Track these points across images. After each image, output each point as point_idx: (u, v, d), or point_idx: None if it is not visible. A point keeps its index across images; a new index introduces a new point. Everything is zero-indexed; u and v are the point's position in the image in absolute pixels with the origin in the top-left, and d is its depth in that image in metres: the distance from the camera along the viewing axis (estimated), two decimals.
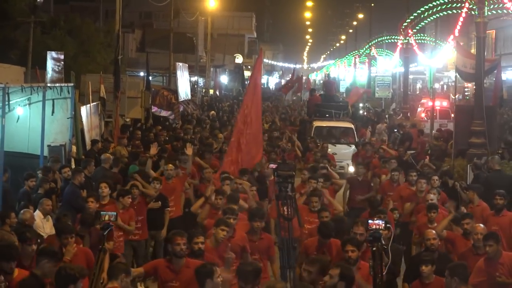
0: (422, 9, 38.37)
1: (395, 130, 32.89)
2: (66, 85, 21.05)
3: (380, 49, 65.07)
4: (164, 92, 33.08)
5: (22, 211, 12.56)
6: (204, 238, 10.77)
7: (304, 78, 71.74)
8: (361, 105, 49.99)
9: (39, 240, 11.55)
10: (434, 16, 37.84)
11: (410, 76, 54.58)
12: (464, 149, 22.08)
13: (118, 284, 8.98)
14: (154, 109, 32.06)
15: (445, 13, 33.30)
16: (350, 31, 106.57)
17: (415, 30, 43.22)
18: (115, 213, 10.16)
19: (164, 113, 32.56)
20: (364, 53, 68.62)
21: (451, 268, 9.61)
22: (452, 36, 30.76)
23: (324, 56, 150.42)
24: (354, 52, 78.43)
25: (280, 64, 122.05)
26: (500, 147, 23.46)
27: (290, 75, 41.35)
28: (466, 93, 53.24)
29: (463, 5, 26.06)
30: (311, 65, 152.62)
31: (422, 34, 50.17)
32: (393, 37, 54.11)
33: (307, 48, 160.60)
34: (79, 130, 21.46)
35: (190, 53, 59.41)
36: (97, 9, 57.63)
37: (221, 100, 59.13)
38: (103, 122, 25.94)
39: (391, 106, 54.31)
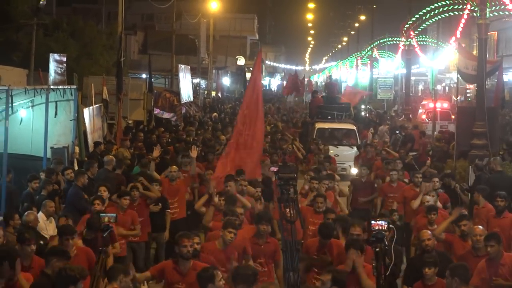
0: (424, 10, 38.45)
1: (397, 132, 32.91)
2: (69, 87, 21.10)
3: (382, 51, 65.14)
4: (167, 94, 33.16)
5: (26, 213, 12.57)
6: (205, 239, 10.80)
7: (306, 80, 71.67)
8: (363, 106, 50.02)
9: (42, 242, 11.63)
10: (436, 18, 37.91)
11: (412, 78, 54.61)
12: (466, 151, 22.12)
13: (118, 285, 8.99)
14: (156, 111, 32.13)
15: (447, 14, 33.37)
16: (352, 32, 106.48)
17: (417, 32, 43.30)
18: (114, 215, 10.21)
19: (166, 115, 32.63)
20: (366, 55, 68.66)
21: (451, 269, 9.61)
22: (454, 38, 30.83)
23: (326, 57, 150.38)
24: (356, 53, 78.46)
25: (282, 66, 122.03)
26: (502, 148, 23.49)
27: (288, 76, 41.16)
28: (468, 95, 53.24)
29: (465, 6, 26.12)
30: (313, 67, 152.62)
31: (424, 36, 50.24)
32: (395, 38, 54.19)
33: (309, 50, 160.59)
34: (81, 132, 21.52)
35: (192, 55, 59.54)
36: (99, 11, 57.70)
37: (223, 102, 59.20)
38: (105, 124, 25.99)
39: (393, 108, 54.31)
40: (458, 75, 24.92)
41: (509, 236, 13.29)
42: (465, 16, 26.84)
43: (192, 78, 48.63)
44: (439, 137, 29.24)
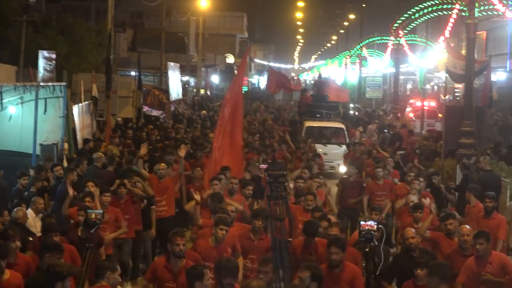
0: (413, 10, 38.57)
1: (385, 131, 33.02)
2: (58, 84, 21.13)
3: (371, 50, 65.18)
4: (156, 92, 33.16)
5: (15, 210, 12.60)
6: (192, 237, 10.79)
7: (295, 78, 71.79)
8: (351, 105, 50.12)
9: (31, 238, 11.66)
10: (425, 17, 38.03)
11: (401, 77, 54.85)
12: (454, 149, 22.21)
13: (106, 282, 9.00)
14: (145, 108, 32.14)
15: (435, 14, 33.48)
16: (341, 31, 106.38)
17: (406, 31, 43.42)
18: (101, 211, 10.22)
19: (155, 113, 32.64)
20: (355, 54, 68.70)
21: (430, 267, 9.56)
22: (442, 37, 30.94)
23: (315, 56, 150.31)
24: (345, 52, 78.50)
25: (271, 64, 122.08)
26: (489, 148, 23.60)
27: (270, 73, 40.23)
28: (456, 94, 53.42)
29: (453, 6, 26.23)
30: (302, 65, 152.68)
31: (413, 35, 50.35)
32: (384, 37, 54.26)
33: (298, 48, 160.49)
34: (71, 129, 21.54)
35: (181, 52, 59.43)
36: (89, 8, 57.72)
37: (212, 100, 59.18)
38: (95, 121, 25.99)
39: (382, 107, 54.44)
40: (447, 75, 25.02)
41: (496, 237, 13.34)
42: (454, 16, 26.94)
43: (181, 76, 48.55)
44: (426, 135, 29.37)
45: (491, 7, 25.64)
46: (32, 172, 16.27)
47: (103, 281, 9.01)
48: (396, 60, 46.68)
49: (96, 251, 11.83)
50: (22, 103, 20.01)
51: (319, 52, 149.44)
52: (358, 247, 10.27)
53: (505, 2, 25.78)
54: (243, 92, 18.15)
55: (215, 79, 77.12)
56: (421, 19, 39.16)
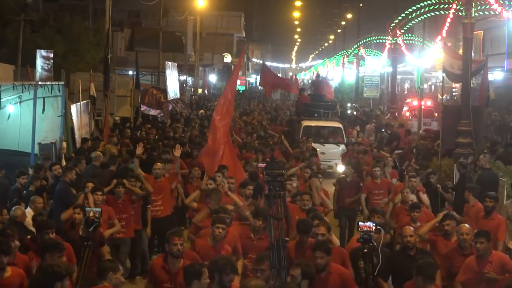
0: (410, 9, 38.63)
1: (383, 130, 33.09)
2: (57, 83, 21.18)
3: (368, 49, 65.27)
4: (153, 91, 33.21)
5: (13, 208, 12.63)
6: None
7: (293, 78, 71.88)
8: (349, 105, 50.20)
9: (29, 237, 11.70)
10: (422, 17, 38.08)
11: (398, 76, 54.78)
12: (451, 149, 22.27)
13: (108, 283, 8.98)
14: (143, 107, 32.20)
15: (433, 14, 33.53)
16: (339, 31, 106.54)
17: (403, 31, 43.46)
18: (99, 210, 10.24)
19: (153, 112, 32.69)
20: (353, 53, 68.81)
21: (416, 267, 9.46)
22: (439, 37, 30.99)
23: (313, 55, 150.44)
24: (342, 52, 78.61)
25: (269, 63, 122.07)
26: (486, 147, 23.66)
27: (263, 72, 38.93)
28: (454, 93, 53.50)
29: (450, 6, 26.26)
30: (300, 65, 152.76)
31: (410, 35, 50.41)
32: (381, 37, 54.37)
33: (295, 48, 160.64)
34: (69, 128, 21.59)
35: (179, 52, 59.46)
36: (86, 7, 57.54)
37: (210, 99, 59.23)
38: (93, 121, 26.05)
39: (379, 106, 54.51)
40: (444, 74, 25.05)
41: (495, 238, 13.35)
42: (451, 16, 26.99)
43: (179, 75, 48.64)
44: (424, 135, 29.43)
45: (487, 7, 25.69)
46: (31, 171, 16.31)
47: (106, 282, 8.97)
48: (393, 60, 46.74)
49: (98, 250, 11.90)
50: (20, 102, 20.08)
51: (316, 52, 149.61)
52: (356, 250, 10.29)
53: (501, 2, 25.84)
54: (240, 91, 18.32)
55: (212, 78, 77.19)
56: (418, 18, 39.19)
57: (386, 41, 47.16)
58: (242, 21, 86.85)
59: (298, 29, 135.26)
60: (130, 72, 46.17)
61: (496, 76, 48.62)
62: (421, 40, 50.87)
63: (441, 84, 46.54)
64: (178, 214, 17.86)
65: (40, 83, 20.28)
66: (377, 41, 59.40)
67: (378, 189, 17.76)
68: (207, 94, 66.61)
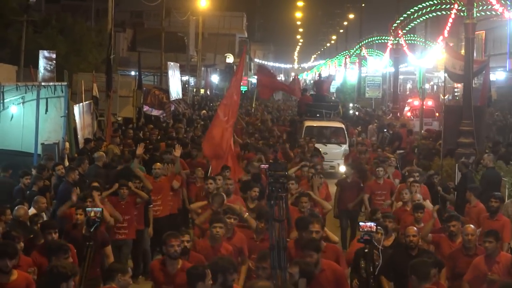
0: (412, 10, 38.68)
1: (385, 130, 33.13)
2: (59, 84, 21.24)
3: (370, 50, 65.33)
4: (156, 92, 33.25)
5: (16, 208, 12.64)
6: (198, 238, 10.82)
7: (295, 78, 71.87)
8: (351, 105, 50.24)
9: (32, 236, 11.75)
10: (424, 17, 38.15)
11: (400, 77, 54.93)
12: (453, 149, 22.31)
13: (116, 284, 8.99)
14: (145, 108, 32.25)
15: (434, 14, 33.60)
16: (341, 31, 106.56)
17: (405, 31, 43.54)
18: (100, 209, 10.27)
19: (155, 112, 32.73)
20: (355, 53, 68.83)
21: (411, 266, 9.44)
22: (441, 37, 31.04)
23: (315, 56, 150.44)
24: (344, 52, 78.63)
25: (271, 64, 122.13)
26: (488, 147, 23.70)
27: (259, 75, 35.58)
28: (456, 94, 53.53)
29: (452, 6, 26.31)
30: (302, 65, 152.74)
31: (412, 35, 50.51)
32: (384, 37, 54.43)
33: (297, 48, 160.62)
34: (72, 128, 21.65)
35: (181, 52, 59.46)
36: (89, 8, 57.64)
37: (212, 99, 59.28)
38: (95, 121, 26.10)
39: (381, 106, 54.54)
40: (446, 74, 25.10)
41: (501, 239, 13.31)
42: (453, 16, 27.04)
43: (181, 76, 48.64)
44: (425, 135, 29.48)
45: (489, 7, 25.74)
46: (34, 172, 16.37)
47: (113, 283, 8.98)
48: (395, 60, 46.79)
49: (101, 250, 11.95)
50: (23, 102, 20.10)
51: (318, 52, 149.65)
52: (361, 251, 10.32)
53: (503, 2, 25.90)
54: (242, 92, 18.40)
55: (214, 78, 77.18)
56: (420, 19, 39.28)
57: (388, 41, 47.21)
58: (244, 21, 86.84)
59: (300, 30, 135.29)
60: (133, 73, 46.20)
61: (498, 76, 48.66)
62: (423, 40, 51.00)
63: (443, 84, 46.66)
64: (182, 215, 17.93)
65: (43, 83, 20.33)
66: (379, 41, 59.48)
67: (380, 189, 17.78)
68: (209, 95, 66.65)
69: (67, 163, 18.84)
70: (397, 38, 43.41)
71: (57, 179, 16.42)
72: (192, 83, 63.54)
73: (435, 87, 68.11)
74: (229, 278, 8.75)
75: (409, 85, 75.19)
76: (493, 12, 26.86)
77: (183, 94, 45.23)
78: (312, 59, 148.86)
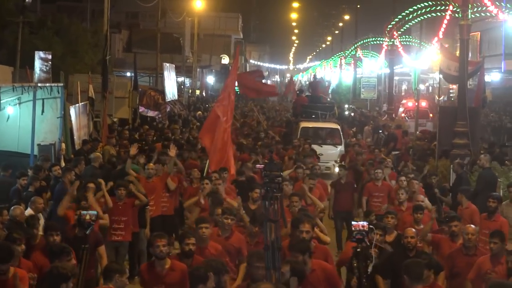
0: (407, 11, 38.71)
1: (380, 131, 33.20)
2: (56, 85, 21.29)
3: (365, 51, 65.34)
4: (151, 93, 33.32)
5: (12, 208, 12.68)
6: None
7: (291, 79, 72.04)
8: (346, 106, 50.31)
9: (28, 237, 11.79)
10: (419, 19, 38.20)
11: (396, 78, 54.97)
12: (448, 150, 22.39)
13: (113, 285, 9.03)
14: (141, 109, 32.31)
15: (429, 15, 33.65)
16: (336, 32, 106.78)
17: (400, 32, 43.59)
18: (96, 213, 10.31)
19: (151, 113, 32.80)
20: (350, 54, 68.87)
21: (404, 266, 9.43)
22: (436, 38, 31.10)
23: (310, 57, 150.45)
24: (340, 53, 78.67)
25: (266, 65, 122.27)
26: (482, 148, 23.78)
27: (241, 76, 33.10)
28: (451, 95, 53.65)
29: (447, 8, 26.37)
30: (297, 66, 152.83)
31: (407, 36, 50.52)
32: (379, 38, 54.48)
33: (293, 49, 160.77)
34: (68, 129, 21.70)
35: (177, 53, 59.47)
36: (84, 9, 57.63)
37: (208, 100, 59.33)
38: (91, 122, 26.15)
39: (377, 108, 54.62)
40: (441, 76, 25.19)
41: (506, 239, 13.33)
42: (448, 17, 27.09)
43: (177, 77, 48.69)
44: (420, 136, 29.56)
45: (484, 8, 25.81)
46: (30, 172, 16.41)
47: (111, 284, 9.03)
48: (390, 61, 46.85)
49: (94, 250, 11.98)
50: (19, 103, 20.17)
51: (314, 53, 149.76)
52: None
53: (497, 3, 25.98)
54: (237, 93, 18.43)
55: (210, 79, 77.24)
56: (415, 20, 39.30)
57: (384, 42, 47.26)
58: (240, 22, 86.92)
59: (296, 31, 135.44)
60: (128, 74, 46.25)
61: (493, 77, 48.82)
62: (418, 41, 51.02)
63: (438, 85, 46.80)
64: (179, 216, 17.97)
65: (39, 84, 20.38)
66: (375, 42, 59.50)
67: (378, 191, 17.76)
68: (205, 96, 66.71)
69: (63, 164, 18.89)
70: (392, 39, 43.47)
71: (53, 179, 16.46)
72: (188, 84, 63.57)
73: (430, 88, 68.21)
74: (222, 279, 8.80)
75: (404, 86, 75.25)
76: (488, 14, 26.91)
77: (178, 95, 45.33)
78: (308, 60, 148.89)
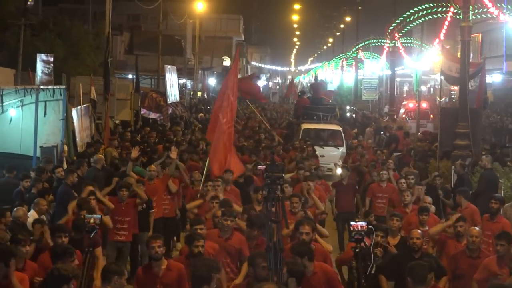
0: (408, 13, 38.68)
1: (381, 132, 33.21)
2: (58, 87, 21.34)
3: (367, 52, 65.31)
4: (153, 94, 33.34)
5: (15, 209, 12.75)
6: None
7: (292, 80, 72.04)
8: (348, 107, 50.32)
9: (31, 237, 11.83)
10: (420, 20, 38.19)
11: (397, 79, 54.94)
12: (449, 151, 22.41)
13: (111, 286, 9.03)
14: (143, 111, 32.34)
15: (431, 17, 33.65)
16: (338, 34, 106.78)
17: (401, 34, 43.57)
18: (100, 216, 10.35)
19: (153, 115, 32.83)
20: (351, 56, 68.84)
21: (408, 268, 9.40)
22: (437, 40, 31.12)
23: (312, 58, 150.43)
24: (341, 55, 78.59)
25: (268, 66, 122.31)
26: (484, 149, 23.79)
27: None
28: (452, 96, 53.66)
29: (448, 9, 26.38)
30: (299, 68, 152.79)
31: (408, 38, 50.52)
32: (380, 40, 54.41)
33: (294, 51, 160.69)
34: (70, 131, 21.74)
35: (178, 55, 59.58)
36: (86, 11, 57.69)
37: (209, 102, 59.36)
38: (93, 124, 26.20)
39: (384, 109, 54.63)
40: (442, 77, 25.20)
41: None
42: (449, 19, 27.10)
43: (178, 79, 48.74)
44: (421, 137, 29.58)
45: (485, 10, 25.82)
46: (33, 174, 16.46)
47: (109, 285, 9.03)
48: (392, 63, 46.84)
49: (92, 252, 12.03)
50: (22, 106, 20.22)
51: (315, 55, 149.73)
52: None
53: (498, 5, 26.00)
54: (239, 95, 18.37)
55: (212, 81, 77.31)
56: (417, 21, 39.26)
57: (385, 44, 47.23)
58: (241, 24, 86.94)
59: (297, 32, 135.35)
60: (130, 76, 46.30)
61: (494, 78, 48.83)
62: (419, 43, 50.98)
63: (439, 86, 46.82)
64: (182, 218, 18.00)
65: (42, 87, 20.44)
66: (376, 44, 59.40)
67: (382, 192, 17.78)
68: (207, 98, 66.72)
69: (65, 166, 18.94)
70: (394, 41, 43.47)
71: (56, 181, 16.52)
72: (189, 86, 63.65)
73: (431, 89, 68.22)
74: (215, 278, 8.86)
75: (405, 88, 75.19)
76: (489, 15, 26.93)
77: (180, 97, 45.32)
78: (309, 61, 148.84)
